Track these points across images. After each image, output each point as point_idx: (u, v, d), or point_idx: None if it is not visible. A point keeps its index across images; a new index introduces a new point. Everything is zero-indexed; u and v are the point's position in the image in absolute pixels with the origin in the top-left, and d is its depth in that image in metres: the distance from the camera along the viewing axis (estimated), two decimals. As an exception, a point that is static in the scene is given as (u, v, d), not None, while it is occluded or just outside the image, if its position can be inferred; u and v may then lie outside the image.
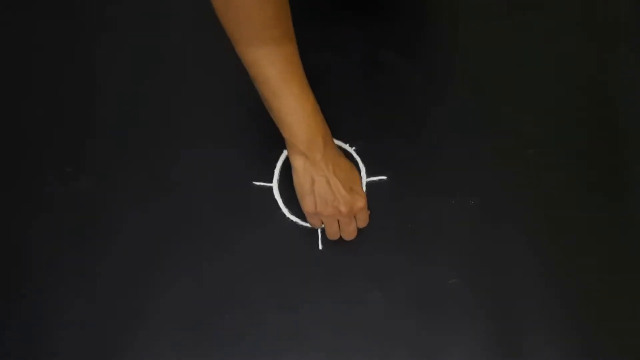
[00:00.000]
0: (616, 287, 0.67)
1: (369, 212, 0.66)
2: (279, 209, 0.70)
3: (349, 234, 0.66)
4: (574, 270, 0.67)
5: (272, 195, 0.70)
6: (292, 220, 0.69)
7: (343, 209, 0.62)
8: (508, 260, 0.67)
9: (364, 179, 0.71)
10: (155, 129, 0.74)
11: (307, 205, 0.63)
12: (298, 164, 0.61)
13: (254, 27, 0.54)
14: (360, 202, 0.63)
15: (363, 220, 0.66)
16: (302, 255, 0.68)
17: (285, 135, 0.61)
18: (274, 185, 0.71)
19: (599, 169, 0.72)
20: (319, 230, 0.68)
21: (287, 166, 0.71)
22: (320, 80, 0.75)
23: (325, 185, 0.61)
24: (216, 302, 0.66)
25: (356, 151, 0.72)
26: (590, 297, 0.66)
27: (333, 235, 0.66)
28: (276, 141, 0.71)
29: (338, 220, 0.64)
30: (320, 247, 0.68)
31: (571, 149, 0.72)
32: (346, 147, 0.72)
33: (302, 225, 0.69)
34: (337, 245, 0.67)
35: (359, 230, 0.67)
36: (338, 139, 0.72)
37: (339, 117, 0.73)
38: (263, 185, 0.71)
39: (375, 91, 0.74)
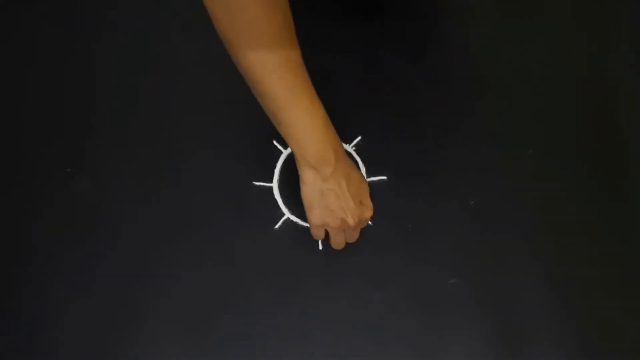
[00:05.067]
0: (616, 286, 0.67)
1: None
2: (279, 209, 0.70)
3: (352, 240, 0.65)
4: (574, 270, 0.67)
5: (272, 195, 0.70)
6: (292, 220, 0.69)
7: (351, 222, 0.60)
8: (508, 261, 0.67)
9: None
10: (155, 129, 0.74)
11: (314, 217, 0.61)
12: (307, 177, 0.59)
13: (261, 40, 0.51)
14: (368, 213, 0.62)
15: (364, 223, 0.65)
16: (302, 256, 0.68)
17: (295, 149, 0.57)
18: (274, 185, 0.71)
19: (599, 169, 0.71)
20: (319, 230, 0.68)
21: (287, 166, 0.71)
22: (319, 81, 0.75)
23: (334, 199, 0.59)
24: (216, 302, 0.66)
25: (356, 151, 0.72)
26: (590, 296, 0.66)
27: (339, 245, 0.65)
28: (276, 141, 0.72)
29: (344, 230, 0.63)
30: (320, 247, 0.68)
31: (571, 149, 0.72)
32: (346, 147, 0.72)
33: (302, 225, 0.69)
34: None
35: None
36: (338, 139, 0.72)
37: (338, 117, 0.73)
38: (263, 185, 0.71)
39: (375, 91, 0.74)
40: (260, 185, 0.71)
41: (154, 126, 0.74)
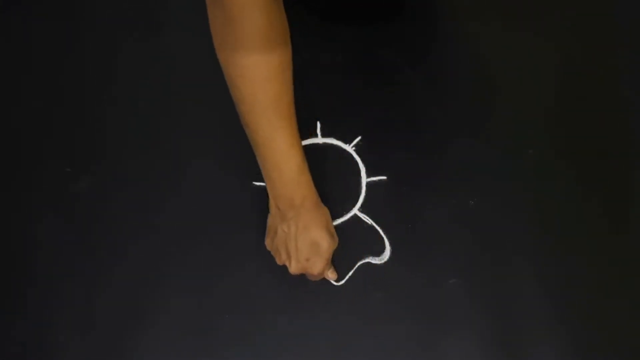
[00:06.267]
0: (616, 286, 0.67)
1: (330, 267, 0.65)
2: (279, 209, 0.70)
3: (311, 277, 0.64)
4: (574, 270, 0.67)
5: (272, 195, 0.70)
6: (292, 220, 0.69)
7: (292, 269, 0.61)
8: (508, 260, 0.67)
9: (364, 179, 0.71)
10: (155, 129, 0.74)
11: (266, 242, 0.64)
12: (271, 209, 0.61)
13: (255, 76, 0.54)
14: (313, 270, 0.61)
15: (314, 277, 0.63)
16: (302, 255, 0.68)
17: (266, 183, 0.60)
18: (274, 185, 0.70)
19: (599, 169, 0.71)
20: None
21: (287, 166, 0.71)
22: (319, 80, 0.75)
23: (282, 242, 0.61)
24: (216, 302, 0.66)
25: (356, 151, 0.72)
26: (590, 296, 0.66)
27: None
28: (276, 141, 0.72)
29: None
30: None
31: (571, 149, 0.72)
32: (346, 147, 0.72)
33: (302, 225, 0.69)
34: (336, 245, 0.67)
35: (360, 230, 0.67)
36: (338, 139, 0.72)
37: (338, 117, 0.73)
38: (263, 186, 0.70)
39: (375, 91, 0.74)
40: (260, 186, 0.71)
41: (154, 126, 0.74)
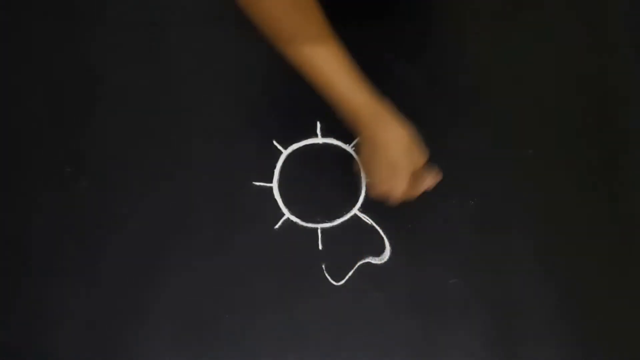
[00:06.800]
0: (616, 286, 0.67)
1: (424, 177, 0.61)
2: (279, 209, 0.70)
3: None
4: (574, 270, 0.67)
5: (272, 195, 0.70)
6: (292, 220, 0.69)
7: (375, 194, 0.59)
8: (508, 260, 0.67)
9: (364, 179, 0.71)
10: (155, 130, 0.74)
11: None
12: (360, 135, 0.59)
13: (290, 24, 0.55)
14: (396, 194, 0.58)
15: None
16: (302, 256, 0.68)
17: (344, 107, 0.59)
18: (274, 185, 0.71)
19: (599, 169, 0.71)
20: (319, 230, 0.68)
21: (287, 166, 0.71)
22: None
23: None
24: (216, 302, 0.66)
25: (356, 151, 0.72)
26: (589, 296, 0.66)
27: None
28: (276, 141, 0.72)
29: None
30: (320, 247, 0.68)
31: (571, 149, 0.72)
32: (346, 147, 0.72)
33: (302, 225, 0.69)
34: (336, 245, 0.67)
35: (360, 230, 0.67)
36: (338, 139, 0.72)
37: (338, 117, 0.73)
38: (263, 186, 0.71)
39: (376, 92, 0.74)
40: (260, 185, 0.71)
41: (153, 126, 0.74)
